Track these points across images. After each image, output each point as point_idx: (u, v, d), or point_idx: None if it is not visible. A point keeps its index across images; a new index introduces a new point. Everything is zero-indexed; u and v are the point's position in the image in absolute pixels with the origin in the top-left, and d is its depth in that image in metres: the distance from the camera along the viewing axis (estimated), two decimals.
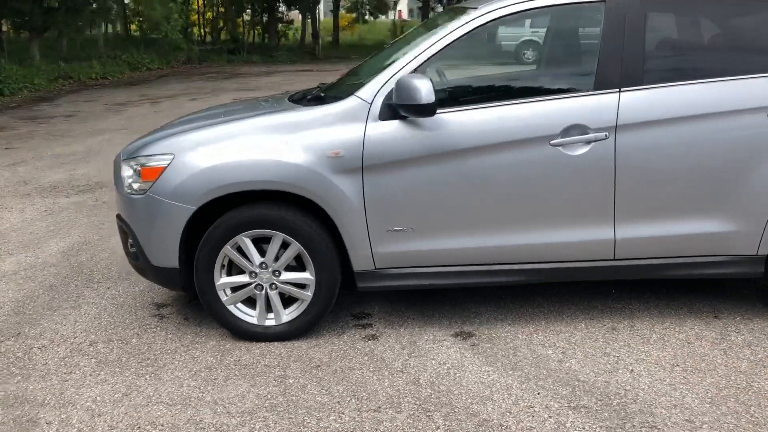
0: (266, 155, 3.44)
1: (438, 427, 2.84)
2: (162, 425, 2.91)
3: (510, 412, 2.93)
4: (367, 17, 35.09)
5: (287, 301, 3.62)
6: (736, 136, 3.40)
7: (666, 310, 3.83)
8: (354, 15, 35.56)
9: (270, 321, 3.61)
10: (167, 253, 3.54)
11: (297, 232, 3.45)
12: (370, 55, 4.57)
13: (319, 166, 3.40)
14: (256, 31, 31.09)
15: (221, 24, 29.82)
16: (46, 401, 3.11)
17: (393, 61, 3.57)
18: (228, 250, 3.50)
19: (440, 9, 30.98)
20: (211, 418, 2.95)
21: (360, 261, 3.53)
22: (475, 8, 3.54)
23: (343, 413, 2.97)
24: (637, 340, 3.51)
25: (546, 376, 3.20)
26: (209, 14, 30.32)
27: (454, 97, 3.69)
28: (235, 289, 3.59)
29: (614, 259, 3.54)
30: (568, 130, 3.38)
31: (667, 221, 3.48)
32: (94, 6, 21.20)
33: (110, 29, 28.40)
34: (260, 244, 3.52)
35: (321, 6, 30.48)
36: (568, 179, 3.42)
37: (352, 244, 3.49)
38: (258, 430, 2.86)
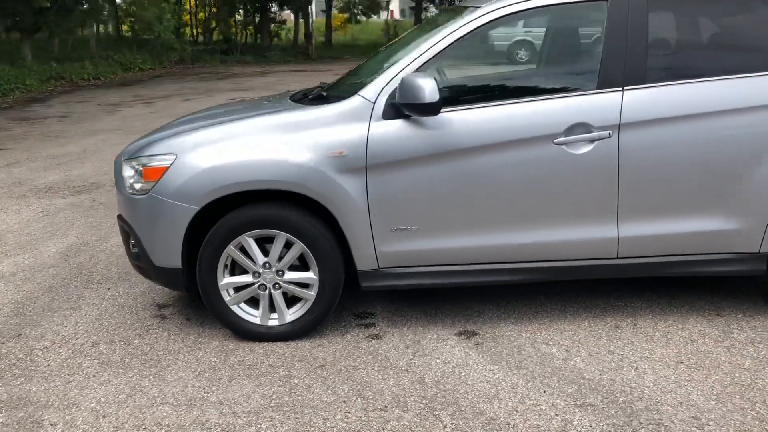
0: (269, 155, 3.43)
1: (445, 426, 2.84)
2: (168, 426, 2.90)
3: (517, 411, 2.93)
4: (359, 17, 35.05)
5: (290, 300, 3.61)
6: (738, 134, 3.41)
7: (668, 308, 3.85)
8: (346, 15, 35.52)
9: (273, 321, 3.60)
10: (170, 254, 3.52)
11: (300, 231, 3.45)
12: (371, 55, 4.56)
13: (323, 166, 3.39)
14: (248, 32, 31.01)
15: (213, 24, 29.73)
16: (49, 403, 3.09)
17: (396, 61, 3.56)
18: (231, 250, 3.48)
19: (433, 9, 30.99)
20: (217, 419, 2.94)
21: (363, 260, 3.52)
22: (478, 7, 3.54)
23: (349, 413, 2.96)
24: (640, 338, 3.52)
25: (551, 375, 3.21)
26: (201, 14, 30.23)
27: (457, 96, 3.69)
28: (239, 289, 3.57)
29: (617, 258, 3.55)
30: (572, 129, 3.38)
31: (670, 219, 3.50)
32: (85, 6, 21.10)
33: (101, 30, 28.26)
34: (263, 243, 3.51)
35: (313, 6, 30.42)
36: (572, 178, 3.43)
37: (356, 243, 3.49)
38: (265, 430, 2.85)
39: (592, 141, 3.39)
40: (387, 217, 3.46)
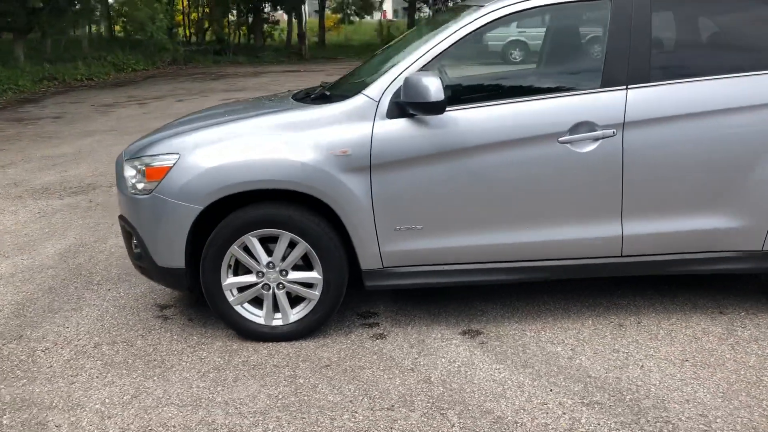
0: (273, 154, 3.41)
1: (453, 425, 2.83)
2: (174, 426, 2.88)
3: (524, 409, 2.93)
4: (352, 18, 35.04)
5: (294, 300, 3.60)
6: (742, 132, 3.42)
7: (671, 306, 3.85)
8: (340, 16, 35.49)
9: (277, 321, 3.58)
10: (173, 254, 3.50)
11: (305, 231, 3.43)
12: (372, 55, 4.55)
13: (327, 165, 3.38)
14: (241, 32, 30.95)
15: (207, 24, 29.65)
16: (53, 404, 3.07)
17: (399, 60, 3.56)
18: (235, 249, 3.47)
19: (426, 9, 31.01)
20: (224, 419, 2.92)
21: (368, 260, 3.51)
22: (482, 6, 3.54)
23: (356, 412, 2.95)
24: (644, 336, 3.52)
25: (557, 373, 3.21)
26: (194, 15, 30.14)
27: (461, 94, 3.67)
28: (242, 289, 3.56)
29: (621, 256, 3.56)
30: (577, 127, 3.38)
31: (673, 217, 3.50)
32: (78, 6, 21.00)
33: (94, 30, 28.14)
34: (267, 243, 3.50)
35: (306, 6, 30.38)
36: (577, 176, 3.43)
37: (360, 242, 3.48)
38: (272, 430, 2.84)
39: (596, 139, 3.39)
40: (391, 217, 3.45)
